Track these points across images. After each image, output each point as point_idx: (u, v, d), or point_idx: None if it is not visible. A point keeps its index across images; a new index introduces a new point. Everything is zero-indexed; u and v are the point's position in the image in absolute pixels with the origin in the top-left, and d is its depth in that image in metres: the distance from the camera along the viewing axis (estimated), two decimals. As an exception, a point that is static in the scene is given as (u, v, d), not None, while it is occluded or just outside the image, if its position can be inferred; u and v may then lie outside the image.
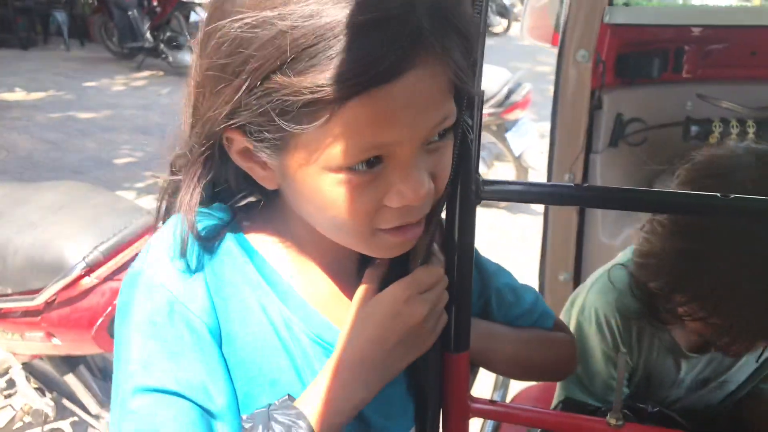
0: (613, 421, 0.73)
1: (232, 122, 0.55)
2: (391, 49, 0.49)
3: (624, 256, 1.03)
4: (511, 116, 4.08)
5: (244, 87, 0.52)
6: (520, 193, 0.68)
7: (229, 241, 0.65)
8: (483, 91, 0.64)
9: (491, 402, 0.76)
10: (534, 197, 0.72)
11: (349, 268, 0.69)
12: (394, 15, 0.50)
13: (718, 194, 0.59)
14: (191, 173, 0.63)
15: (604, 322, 1.00)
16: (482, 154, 4.38)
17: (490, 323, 0.80)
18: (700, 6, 1.51)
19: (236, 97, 0.53)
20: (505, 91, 4.05)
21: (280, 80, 0.50)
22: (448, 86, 0.55)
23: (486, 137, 4.48)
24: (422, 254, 0.65)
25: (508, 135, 4.10)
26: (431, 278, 0.65)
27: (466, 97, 0.60)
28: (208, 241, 0.63)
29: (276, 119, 0.52)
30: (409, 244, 0.63)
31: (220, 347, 0.62)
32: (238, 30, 0.51)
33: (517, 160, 4.21)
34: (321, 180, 0.55)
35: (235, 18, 0.52)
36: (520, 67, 5.74)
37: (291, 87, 0.50)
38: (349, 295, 0.67)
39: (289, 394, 0.62)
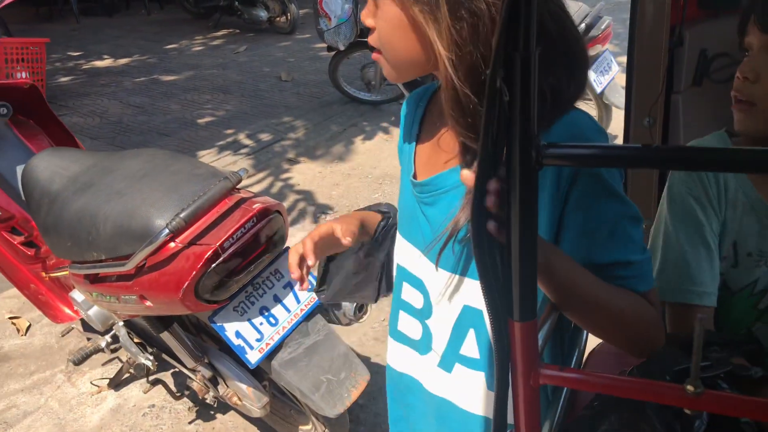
0: (691, 389, 0.70)
1: None
2: None
3: None
4: (591, 51, 3.88)
5: None
6: (585, 157, 0.65)
7: None
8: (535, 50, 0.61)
9: (561, 368, 0.75)
10: (601, 161, 0.68)
11: None
12: None
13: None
14: None
15: (692, 178, 1.04)
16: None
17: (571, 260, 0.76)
18: None
19: None
20: (583, 26, 3.85)
21: None
22: None
23: (566, 76, 4.30)
24: None
25: (589, 72, 3.92)
26: None
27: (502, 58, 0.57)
28: None
29: None
30: None
31: None
32: None
33: (599, 98, 4.03)
34: None
35: None
36: (602, -2, 5.43)
37: None
38: None
39: None
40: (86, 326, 2.56)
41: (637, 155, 0.67)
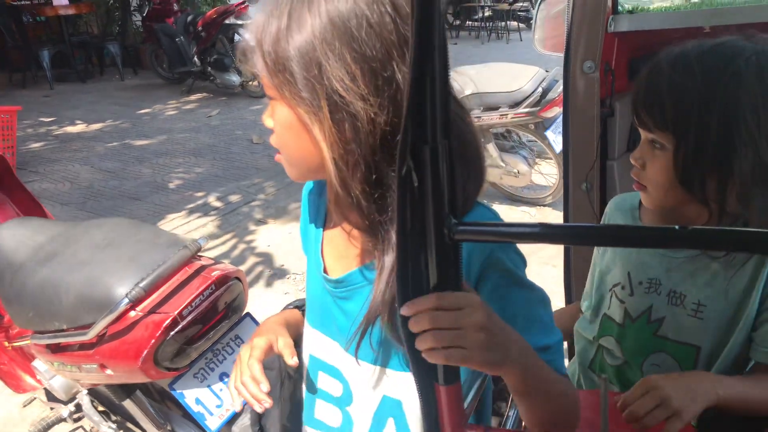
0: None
1: None
2: None
3: None
4: (548, 114, 4.06)
5: None
6: (494, 234, 0.72)
7: None
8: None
9: (486, 428, 0.80)
10: (509, 237, 0.75)
11: None
12: None
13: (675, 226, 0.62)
14: None
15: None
16: (524, 153, 4.42)
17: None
18: (708, 6, 1.50)
19: None
20: (540, 90, 4.04)
21: None
22: None
23: (526, 136, 4.47)
24: None
25: (548, 133, 4.09)
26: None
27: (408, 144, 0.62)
28: None
29: None
30: None
31: None
32: None
33: (559, 156, 4.19)
34: None
35: None
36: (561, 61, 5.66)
37: None
38: None
39: None
40: (49, 396, 2.53)
41: (543, 233, 0.74)
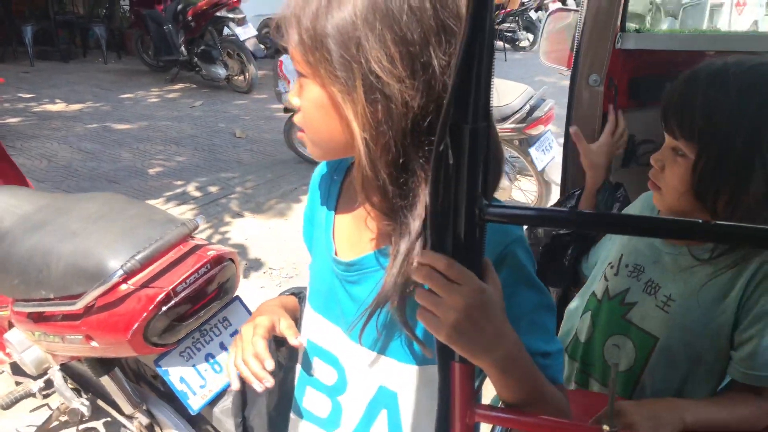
0: (607, 428, 0.78)
1: None
2: None
3: None
4: (533, 131, 4.13)
5: None
6: (522, 217, 0.74)
7: None
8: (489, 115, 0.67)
9: (493, 408, 0.83)
10: (536, 221, 0.78)
11: None
12: None
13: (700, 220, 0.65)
14: None
15: None
16: (506, 168, 4.47)
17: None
18: (710, 32, 1.56)
19: None
20: (527, 107, 4.11)
21: None
22: None
23: (509, 152, 4.53)
24: None
25: (531, 150, 4.16)
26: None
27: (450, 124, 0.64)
28: None
29: None
30: None
31: None
32: None
33: (540, 174, 4.26)
34: None
35: None
36: (546, 82, 5.78)
37: None
38: None
39: None
40: (16, 370, 2.48)
41: (570, 218, 0.78)
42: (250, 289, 3.59)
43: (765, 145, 0.98)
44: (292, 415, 1.07)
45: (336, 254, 0.94)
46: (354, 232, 0.93)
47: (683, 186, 1.06)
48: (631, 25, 1.60)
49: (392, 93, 0.74)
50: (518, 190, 4.68)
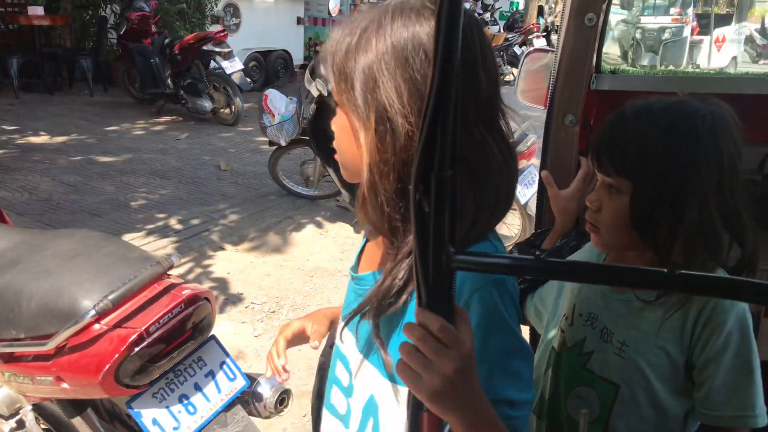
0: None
1: None
2: None
3: None
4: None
5: None
6: (492, 266, 0.74)
7: None
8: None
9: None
10: (506, 270, 0.78)
11: None
12: None
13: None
14: None
15: None
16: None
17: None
18: (682, 74, 1.59)
19: None
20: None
21: None
22: None
23: (493, 186, 4.55)
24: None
25: (515, 184, 4.18)
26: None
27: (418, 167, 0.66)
28: None
29: None
30: None
31: None
32: None
33: (523, 208, 4.28)
34: None
35: None
36: (530, 116, 5.85)
37: None
38: None
39: None
40: (-11, 410, 2.42)
41: (540, 267, 0.77)
42: (231, 324, 3.54)
43: (694, 176, 1.02)
44: (324, 410, 1.15)
45: (357, 270, 1.08)
46: (373, 253, 1.04)
47: (621, 221, 1.08)
48: (606, 66, 1.63)
49: (397, 126, 0.83)
50: (502, 224, 4.69)
